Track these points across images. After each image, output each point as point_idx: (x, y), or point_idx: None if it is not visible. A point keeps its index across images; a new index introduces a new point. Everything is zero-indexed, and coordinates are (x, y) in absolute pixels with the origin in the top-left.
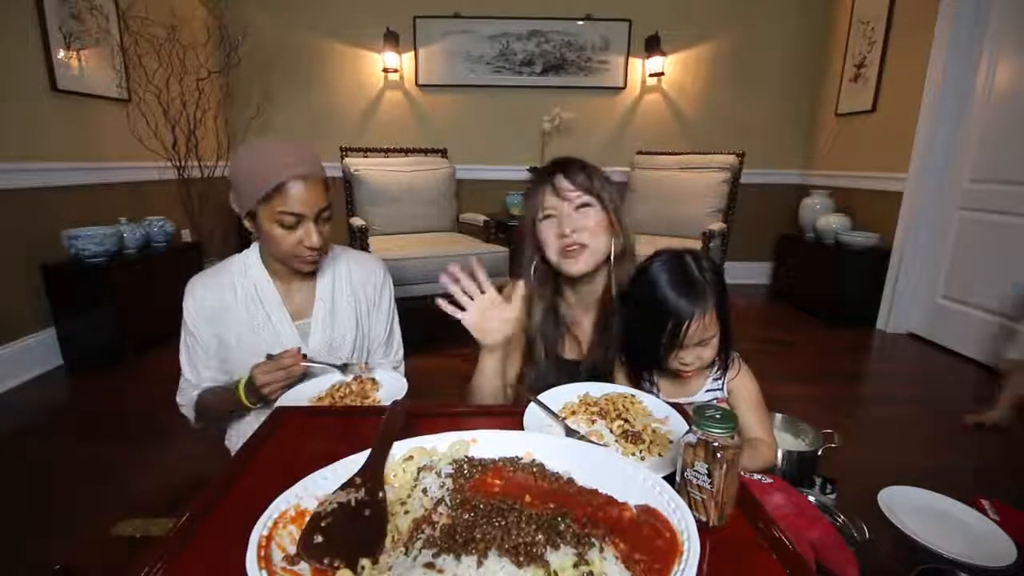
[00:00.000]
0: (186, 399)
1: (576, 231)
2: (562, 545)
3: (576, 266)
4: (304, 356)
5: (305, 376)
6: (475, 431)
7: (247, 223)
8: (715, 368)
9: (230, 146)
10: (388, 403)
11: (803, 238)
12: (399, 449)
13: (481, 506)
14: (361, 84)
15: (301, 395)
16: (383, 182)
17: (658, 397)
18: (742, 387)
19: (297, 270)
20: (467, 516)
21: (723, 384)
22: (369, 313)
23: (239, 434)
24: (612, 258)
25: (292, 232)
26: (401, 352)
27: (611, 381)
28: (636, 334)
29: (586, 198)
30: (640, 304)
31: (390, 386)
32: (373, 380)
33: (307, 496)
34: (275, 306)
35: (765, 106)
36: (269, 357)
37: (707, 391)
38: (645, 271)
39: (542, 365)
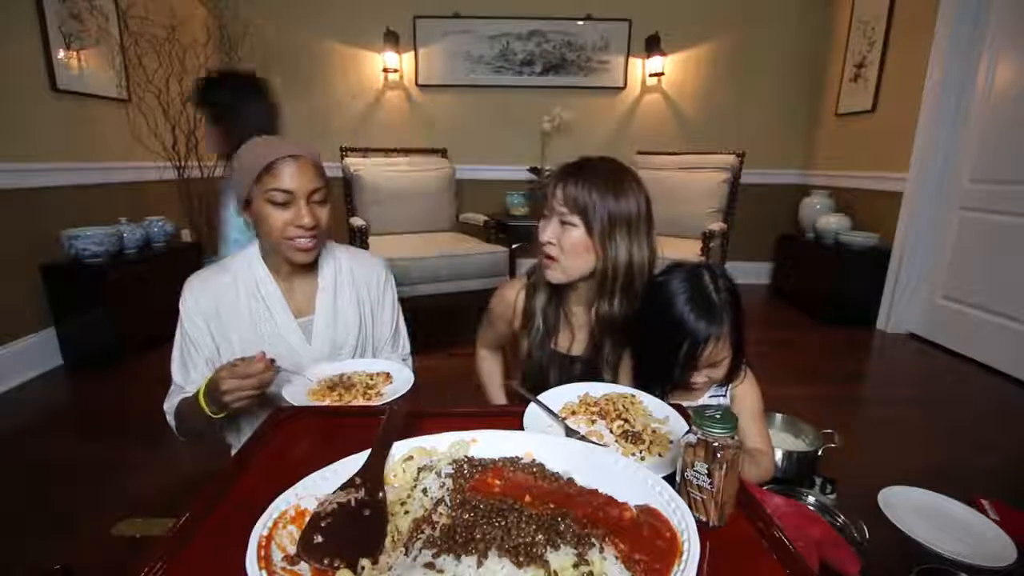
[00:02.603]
0: (170, 407)
1: (550, 243)
2: (562, 545)
3: (548, 274)
4: (272, 361)
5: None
6: (475, 431)
7: (246, 215)
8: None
9: None
10: (393, 396)
11: (803, 238)
12: (399, 449)
13: (481, 506)
14: (361, 84)
15: (302, 387)
16: (383, 182)
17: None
18: (745, 395)
19: (291, 259)
20: (467, 516)
21: (727, 390)
22: (373, 312)
23: (239, 434)
24: (597, 282)
25: (283, 211)
26: (408, 346)
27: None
28: (649, 349)
29: (570, 217)
30: (655, 320)
31: (398, 379)
32: (387, 374)
33: (307, 496)
34: (277, 303)
35: (765, 106)
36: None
37: (711, 396)
38: (662, 287)
39: (537, 348)
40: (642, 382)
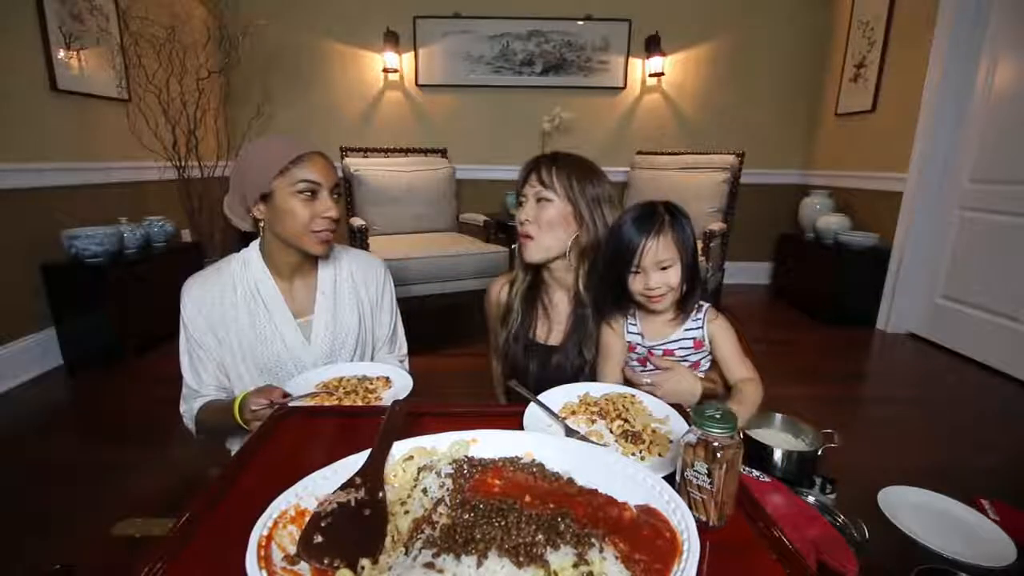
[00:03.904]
0: (188, 409)
1: (527, 221)
2: (562, 545)
3: (526, 253)
4: (287, 395)
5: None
6: (475, 431)
7: (258, 210)
8: (690, 312)
9: (230, 146)
10: (391, 401)
11: (803, 238)
12: (399, 449)
13: (481, 506)
14: (361, 84)
15: (308, 382)
16: (383, 182)
17: (645, 348)
18: (721, 329)
19: (310, 251)
20: (467, 516)
21: (703, 324)
22: (372, 312)
23: (239, 436)
24: (569, 252)
25: (311, 203)
26: (405, 347)
27: (584, 374)
28: (609, 273)
29: (544, 193)
30: (610, 244)
31: (397, 384)
32: (387, 379)
33: (307, 496)
34: (276, 304)
35: (765, 106)
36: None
37: (686, 329)
38: (618, 219)
39: (515, 338)
40: (609, 312)
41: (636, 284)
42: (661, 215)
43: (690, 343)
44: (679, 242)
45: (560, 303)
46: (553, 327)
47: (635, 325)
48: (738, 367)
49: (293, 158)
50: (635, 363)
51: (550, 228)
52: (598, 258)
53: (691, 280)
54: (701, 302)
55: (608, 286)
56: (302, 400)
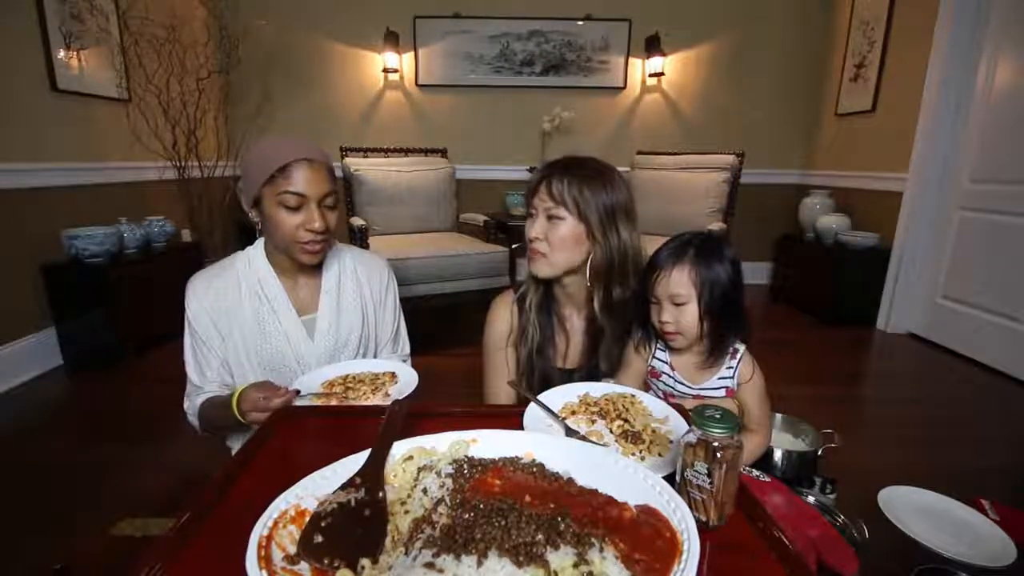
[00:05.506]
0: (191, 406)
1: (537, 239)
2: (562, 545)
3: (533, 268)
4: (297, 392)
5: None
6: (475, 431)
7: (253, 214)
8: (725, 359)
9: (230, 146)
10: (399, 396)
11: (803, 238)
12: (399, 449)
13: (481, 506)
14: (361, 84)
15: (314, 380)
16: (383, 182)
17: (673, 380)
18: (752, 383)
19: (298, 260)
20: (467, 516)
21: (735, 373)
22: (376, 311)
23: (240, 435)
24: (589, 270)
25: (295, 215)
26: (408, 347)
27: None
28: (638, 297)
29: (555, 210)
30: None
31: (403, 379)
32: (392, 374)
33: (307, 496)
34: (280, 301)
35: (765, 106)
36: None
37: (719, 378)
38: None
39: (534, 362)
40: (644, 341)
41: (653, 314)
42: (686, 248)
43: (722, 392)
44: (699, 280)
45: (572, 318)
46: (570, 342)
47: (663, 352)
48: (756, 420)
49: (280, 166)
50: (659, 393)
51: (562, 247)
52: (613, 279)
53: (716, 325)
54: (737, 345)
55: (639, 308)
56: (310, 398)
